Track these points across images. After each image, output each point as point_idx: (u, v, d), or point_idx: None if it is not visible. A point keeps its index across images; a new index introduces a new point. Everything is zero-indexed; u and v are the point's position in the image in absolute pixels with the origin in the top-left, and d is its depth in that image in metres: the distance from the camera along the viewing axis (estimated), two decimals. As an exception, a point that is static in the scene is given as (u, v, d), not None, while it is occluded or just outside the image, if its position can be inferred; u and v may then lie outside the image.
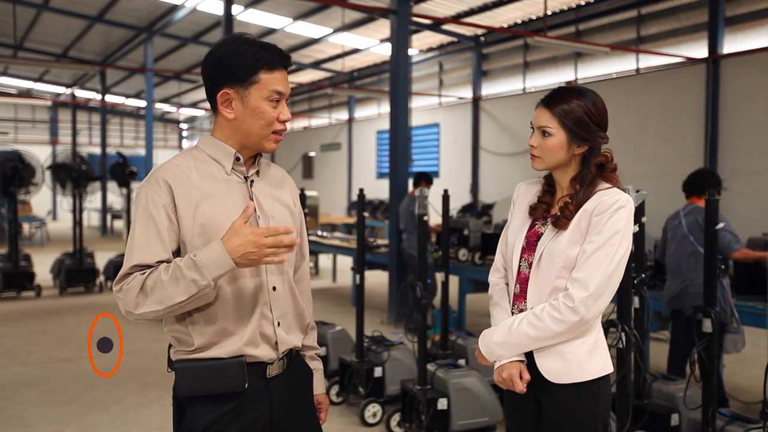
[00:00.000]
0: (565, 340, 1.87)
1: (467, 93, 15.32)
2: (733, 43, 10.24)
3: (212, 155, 1.72)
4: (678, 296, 4.50)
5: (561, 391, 1.90)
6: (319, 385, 1.92)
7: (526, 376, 1.92)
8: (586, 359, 1.88)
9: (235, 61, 1.65)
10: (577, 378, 1.88)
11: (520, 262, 1.97)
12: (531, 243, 1.96)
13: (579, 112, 1.88)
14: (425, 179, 7.15)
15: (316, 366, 1.92)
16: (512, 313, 1.99)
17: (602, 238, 1.82)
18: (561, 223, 1.89)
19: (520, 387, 1.90)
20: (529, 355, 1.93)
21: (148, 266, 1.60)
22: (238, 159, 1.72)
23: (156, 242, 1.61)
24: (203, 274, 1.52)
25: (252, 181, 1.75)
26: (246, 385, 1.64)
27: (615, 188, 1.91)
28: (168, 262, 1.62)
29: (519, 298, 1.98)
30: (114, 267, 9.50)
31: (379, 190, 16.27)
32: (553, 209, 1.97)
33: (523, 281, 1.96)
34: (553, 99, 1.92)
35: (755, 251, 4.49)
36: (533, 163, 1.97)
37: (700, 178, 4.56)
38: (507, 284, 2.05)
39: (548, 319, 1.83)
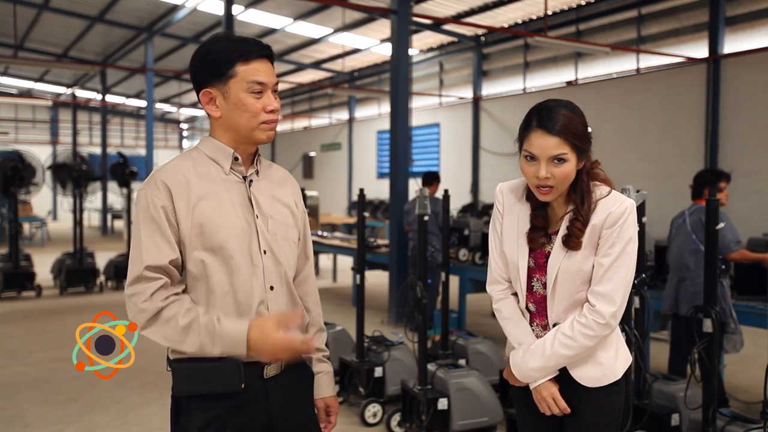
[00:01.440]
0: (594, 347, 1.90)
1: (467, 93, 15.31)
2: (733, 43, 10.23)
3: (211, 155, 1.74)
4: (677, 294, 4.50)
5: (593, 393, 1.93)
6: (327, 387, 1.90)
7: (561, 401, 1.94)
8: (614, 360, 1.93)
9: (211, 57, 1.68)
10: (611, 379, 1.92)
11: (531, 281, 1.94)
12: (540, 264, 1.92)
13: (581, 128, 1.81)
14: (437, 179, 7.20)
15: (325, 368, 1.91)
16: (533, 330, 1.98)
17: (617, 250, 1.83)
18: (573, 243, 1.85)
19: (564, 405, 1.92)
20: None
21: (160, 267, 1.62)
22: (236, 158, 1.74)
23: (163, 243, 1.63)
24: (215, 344, 1.60)
25: (251, 181, 1.76)
26: (242, 385, 1.64)
27: (614, 193, 1.87)
28: (175, 262, 1.64)
29: (538, 317, 1.97)
30: (114, 267, 9.51)
31: (380, 190, 16.28)
32: (552, 227, 1.92)
33: (539, 301, 1.94)
34: (553, 121, 1.78)
35: (753, 253, 4.50)
36: (545, 197, 1.84)
37: (699, 180, 4.60)
38: (513, 294, 2.01)
39: (582, 337, 1.86)
